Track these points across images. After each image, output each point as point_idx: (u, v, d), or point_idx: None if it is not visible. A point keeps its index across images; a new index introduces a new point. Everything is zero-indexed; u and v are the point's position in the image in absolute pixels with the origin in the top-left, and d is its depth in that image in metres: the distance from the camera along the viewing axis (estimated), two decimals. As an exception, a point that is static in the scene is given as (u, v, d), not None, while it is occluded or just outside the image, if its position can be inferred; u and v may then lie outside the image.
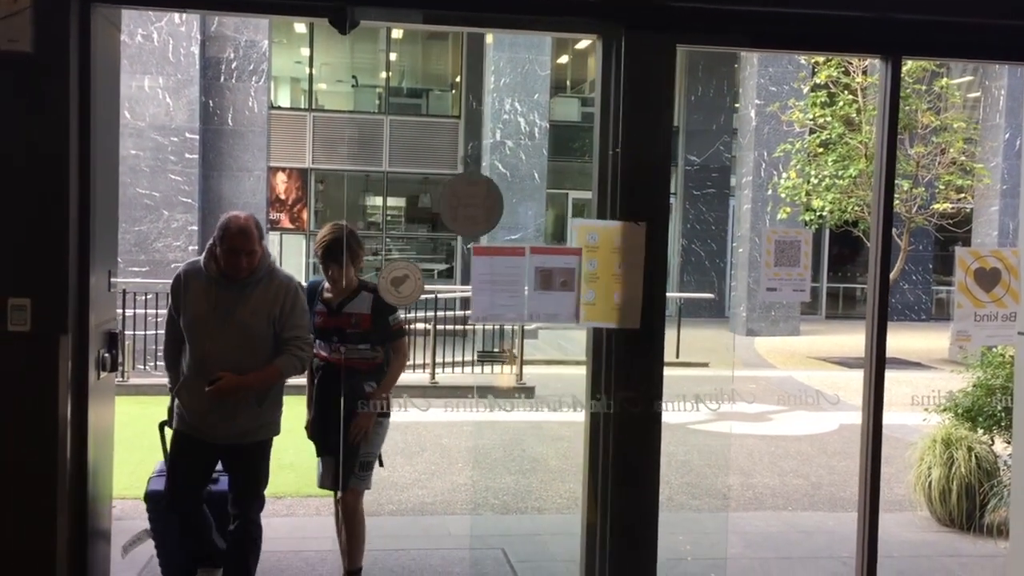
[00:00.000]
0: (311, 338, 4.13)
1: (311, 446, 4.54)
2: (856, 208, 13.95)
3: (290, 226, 19.57)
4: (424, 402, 5.60)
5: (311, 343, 4.12)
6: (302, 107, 20.02)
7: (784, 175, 15.12)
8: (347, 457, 4.33)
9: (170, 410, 4.10)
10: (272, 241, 18.62)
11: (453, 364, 11.19)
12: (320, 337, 4.33)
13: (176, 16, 14.49)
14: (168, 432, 4.13)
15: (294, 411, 4.40)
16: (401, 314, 4.49)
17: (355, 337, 4.31)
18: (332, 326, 4.33)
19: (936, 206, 14.43)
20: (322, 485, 4.55)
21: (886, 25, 3.83)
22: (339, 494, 4.44)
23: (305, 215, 19.65)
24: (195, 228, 14.39)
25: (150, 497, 4.24)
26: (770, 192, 16.21)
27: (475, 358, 11.17)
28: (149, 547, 4.36)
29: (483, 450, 8.02)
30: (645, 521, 3.81)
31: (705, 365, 13.08)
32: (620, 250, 3.65)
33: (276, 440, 4.12)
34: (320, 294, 4.38)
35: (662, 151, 3.75)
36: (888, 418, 4.05)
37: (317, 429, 4.46)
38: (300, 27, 19.45)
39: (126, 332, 9.72)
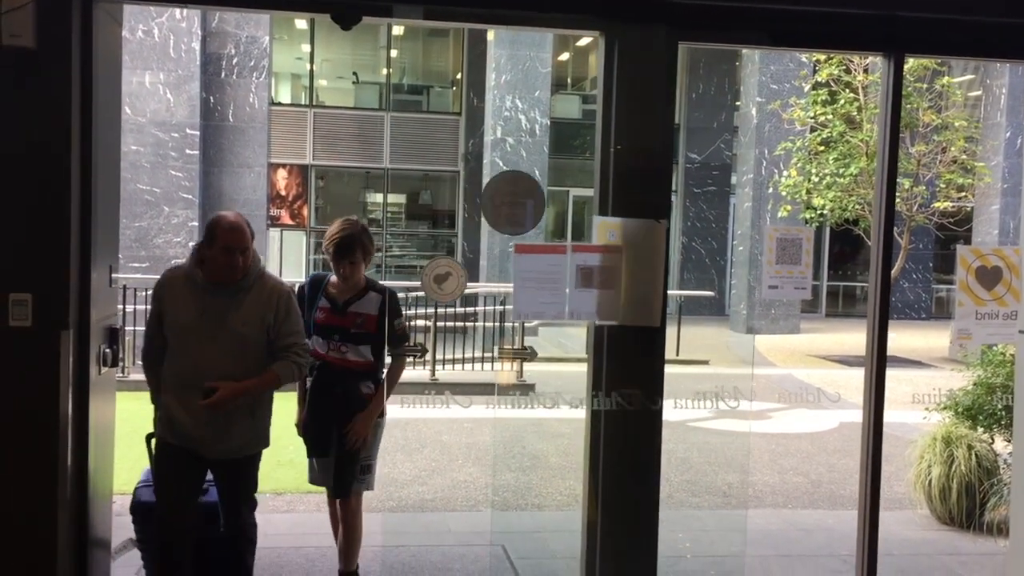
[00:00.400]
0: (308, 344, 4.00)
1: (309, 442, 4.50)
2: (857, 206, 13.95)
3: (290, 222, 19.57)
4: (466, 399, 5.55)
5: (308, 348, 3.99)
6: (303, 103, 20.01)
7: (785, 173, 15.11)
8: (348, 463, 4.22)
9: (155, 421, 3.88)
10: (272, 238, 18.62)
11: (454, 361, 11.19)
12: (320, 334, 4.20)
13: (177, 12, 14.48)
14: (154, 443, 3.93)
15: (289, 407, 4.38)
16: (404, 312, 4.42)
17: (358, 337, 4.19)
18: (335, 324, 4.20)
19: (937, 204, 14.43)
20: (315, 481, 4.44)
21: (888, 22, 3.83)
22: (338, 497, 4.35)
23: (306, 211, 19.65)
24: (195, 224, 14.40)
25: (137, 509, 4.06)
26: (771, 190, 16.21)
27: (496, 354, 11.15)
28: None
29: (483, 447, 8.02)
30: (645, 518, 3.81)
31: (705, 363, 13.08)
32: (640, 248, 3.64)
33: (275, 436, 4.11)
34: (324, 289, 4.25)
35: (663, 148, 3.75)
36: (888, 416, 4.06)
37: (311, 429, 4.30)
38: (301, 23, 19.44)
39: (126, 328, 9.72)
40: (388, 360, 4.37)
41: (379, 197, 20.44)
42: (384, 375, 4.33)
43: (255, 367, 3.73)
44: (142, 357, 3.93)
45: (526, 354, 12.08)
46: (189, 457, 3.76)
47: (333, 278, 4.25)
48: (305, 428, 4.33)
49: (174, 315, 3.73)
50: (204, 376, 3.64)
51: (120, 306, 4.29)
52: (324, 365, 4.23)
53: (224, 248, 3.65)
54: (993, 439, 5.97)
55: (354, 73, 21.10)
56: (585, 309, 3.67)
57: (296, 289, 4.26)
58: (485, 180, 17.63)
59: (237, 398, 3.69)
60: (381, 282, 4.42)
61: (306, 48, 19.89)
